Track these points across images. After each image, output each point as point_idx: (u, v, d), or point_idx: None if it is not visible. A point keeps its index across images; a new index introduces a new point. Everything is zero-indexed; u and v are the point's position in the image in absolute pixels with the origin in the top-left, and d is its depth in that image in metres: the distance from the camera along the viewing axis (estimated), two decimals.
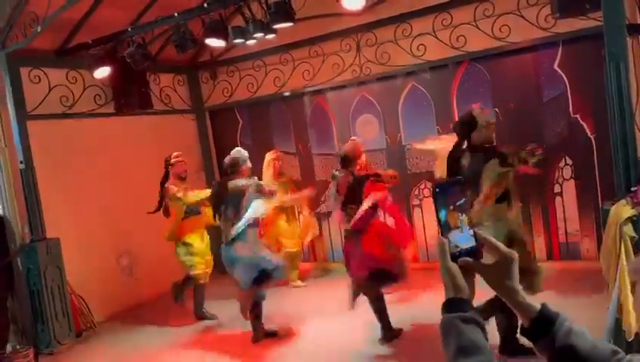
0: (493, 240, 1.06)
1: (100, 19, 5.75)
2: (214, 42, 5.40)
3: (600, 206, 5.55)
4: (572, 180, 5.84)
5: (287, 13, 4.94)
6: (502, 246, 1.05)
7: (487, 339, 0.99)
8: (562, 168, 5.88)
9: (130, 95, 6.50)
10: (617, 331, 3.03)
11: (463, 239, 1.05)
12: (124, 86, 6.39)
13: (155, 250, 6.46)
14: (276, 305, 5.47)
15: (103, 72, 5.84)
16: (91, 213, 6.10)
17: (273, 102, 7.32)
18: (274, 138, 7.42)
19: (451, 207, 1.05)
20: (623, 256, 3.02)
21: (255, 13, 5.19)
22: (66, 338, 5.47)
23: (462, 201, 1.05)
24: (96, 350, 5.40)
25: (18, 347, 5.11)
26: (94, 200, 6.13)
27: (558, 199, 5.92)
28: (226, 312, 5.66)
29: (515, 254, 1.04)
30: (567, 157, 5.84)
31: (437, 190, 1.06)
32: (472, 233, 1.05)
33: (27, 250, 5.44)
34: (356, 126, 6.83)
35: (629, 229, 3.02)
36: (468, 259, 1.04)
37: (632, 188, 3.08)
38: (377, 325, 4.55)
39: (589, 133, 5.66)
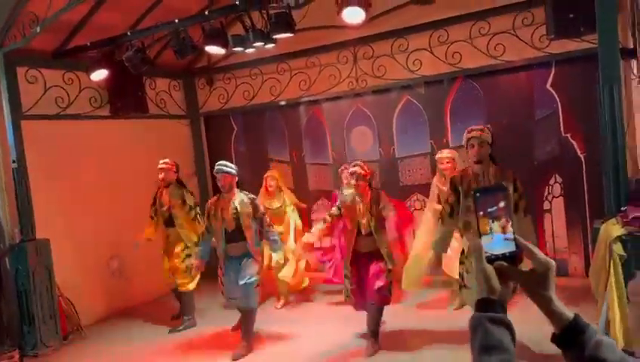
0: (532, 246, 1.07)
1: (98, 22, 5.76)
2: (214, 49, 5.44)
3: (588, 224, 5.67)
4: (561, 198, 5.94)
5: (287, 24, 5.00)
6: (540, 253, 1.06)
7: (514, 342, 1.00)
8: (552, 186, 5.98)
9: (126, 98, 6.50)
10: None
11: (494, 245, 1.07)
12: (121, 89, 6.40)
13: (147, 253, 6.44)
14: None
15: (99, 75, 5.85)
16: (83, 215, 6.07)
17: (268, 111, 7.37)
18: (268, 146, 7.46)
19: (481, 213, 1.08)
20: (612, 273, 3.09)
21: (255, 23, 5.23)
22: (53, 340, 5.42)
23: (494, 208, 1.07)
24: (83, 353, 5.35)
25: (5, 348, 5.05)
26: (86, 201, 6.10)
27: (547, 216, 6.01)
28: (215, 315, 5.64)
29: (553, 262, 1.05)
30: (557, 175, 5.94)
31: (477, 195, 1.09)
32: (510, 239, 1.07)
33: (16, 250, 5.40)
34: (351, 137, 6.90)
35: (618, 248, 3.09)
36: (503, 263, 1.06)
37: (622, 208, 3.16)
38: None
39: (578, 153, 5.76)
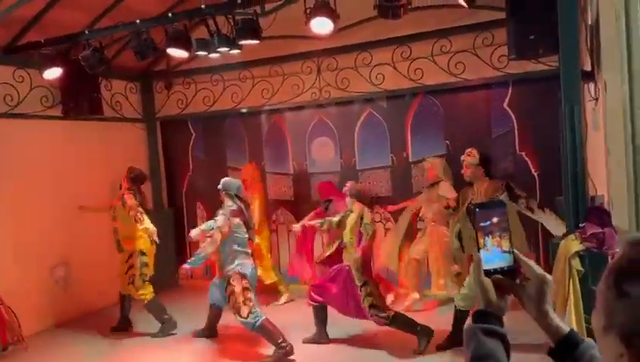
0: (529, 261, 1.09)
1: (54, 19, 5.53)
2: (176, 52, 5.31)
3: (540, 239, 5.86)
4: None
5: (254, 31, 4.96)
6: (537, 267, 1.08)
7: (508, 352, 1.02)
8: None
9: (79, 99, 6.25)
10: None
11: (493, 258, 1.09)
12: (74, 89, 6.15)
13: (94, 262, 6.20)
14: None
15: (53, 73, 5.59)
16: (29, 220, 5.75)
17: (229, 118, 7.26)
18: (227, 153, 7.34)
19: (480, 228, 1.10)
20: (570, 288, 3.18)
21: (221, 28, 5.15)
22: None
23: (493, 223, 1.10)
24: None
25: None
26: (32, 205, 5.79)
27: None
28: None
29: (549, 277, 1.07)
30: None
31: (477, 210, 1.12)
32: (508, 253, 1.09)
33: None
34: (312, 148, 6.88)
35: (576, 263, 3.19)
36: (500, 276, 1.08)
37: (581, 224, 3.26)
38: None
39: (532, 170, 5.96)
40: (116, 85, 7.05)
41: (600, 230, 3.14)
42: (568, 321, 3.13)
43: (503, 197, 4.34)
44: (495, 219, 1.10)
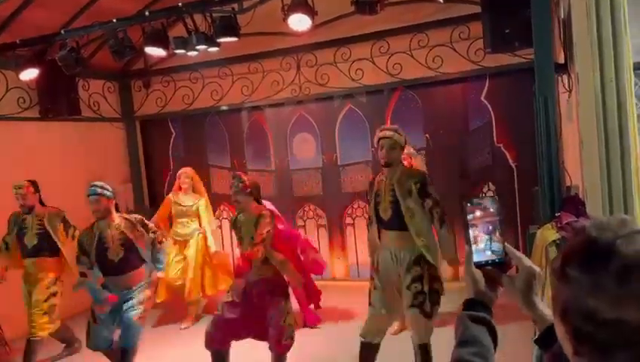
0: (518, 253, 1.14)
1: (29, 20, 5.46)
2: (154, 51, 5.29)
3: (519, 230, 5.97)
4: None
5: (232, 28, 4.96)
6: (526, 260, 1.13)
7: (494, 338, 1.08)
8: (485, 193, 6.24)
9: (57, 100, 6.19)
10: None
11: (484, 252, 1.14)
12: (51, 90, 6.08)
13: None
14: None
15: (29, 74, 5.52)
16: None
17: (209, 116, 7.24)
18: (208, 152, 7.32)
19: (471, 222, 1.15)
20: (547, 276, 3.26)
21: (199, 25, 5.14)
22: None
23: (483, 217, 1.15)
24: None
25: None
26: (10, 210, 5.70)
27: None
28: None
29: (538, 269, 1.12)
30: (490, 183, 6.21)
31: (467, 205, 1.17)
32: (499, 246, 1.14)
33: None
34: (293, 144, 6.90)
35: (553, 252, 3.26)
36: (490, 268, 1.14)
37: (557, 214, 3.34)
38: None
39: (510, 162, 6.06)
40: (94, 85, 6.97)
41: (575, 219, 3.22)
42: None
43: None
44: (485, 213, 1.15)
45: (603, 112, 3.13)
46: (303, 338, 4.97)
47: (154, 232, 4.36)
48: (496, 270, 1.14)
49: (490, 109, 6.10)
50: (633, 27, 3.18)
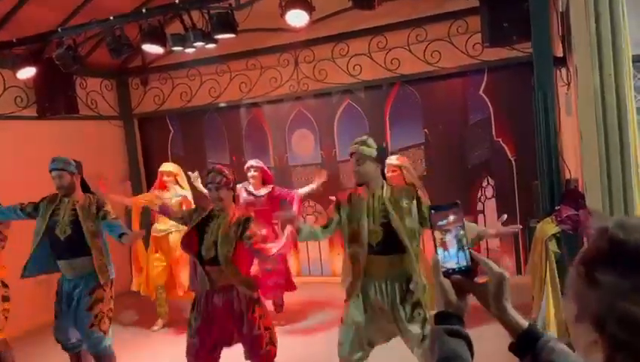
0: (487, 259, 1.11)
1: (26, 18, 5.44)
2: (152, 48, 5.26)
3: (518, 224, 5.97)
4: (493, 199, 6.22)
5: (229, 25, 4.93)
6: (494, 265, 1.10)
7: (471, 351, 1.04)
8: (484, 188, 6.25)
9: (54, 98, 6.17)
10: None
11: (450, 259, 1.11)
12: (49, 88, 6.07)
13: None
14: None
15: (27, 73, 5.51)
16: None
17: (208, 113, 7.22)
18: (207, 149, 7.31)
19: (436, 229, 1.12)
20: (547, 269, 3.26)
21: (196, 22, 5.12)
22: None
23: (447, 224, 1.12)
24: None
25: None
26: None
27: (480, 217, 6.27)
28: None
29: (507, 274, 1.09)
30: (489, 178, 6.21)
31: (431, 211, 1.14)
32: (465, 253, 1.11)
33: None
34: (292, 140, 6.90)
35: (553, 245, 3.28)
36: (459, 276, 1.10)
37: (556, 207, 3.35)
38: None
39: (509, 156, 6.06)
40: (91, 83, 6.96)
41: (575, 212, 3.23)
42: (546, 302, 3.22)
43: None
44: (450, 220, 1.12)
45: (602, 106, 3.13)
46: (305, 338, 5.00)
47: (105, 211, 3.91)
48: (463, 278, 1.11)
49: (489, 103, 6.09)
50: (632, 19, 3.17)
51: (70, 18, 5.80)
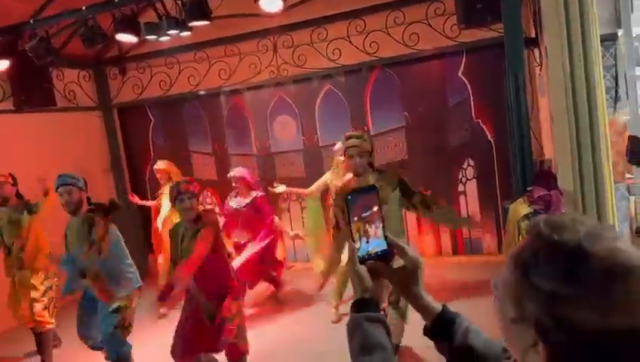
0: (403, 244, 1.10)
1: None
2: (125, 38, 5.20)
3: (499, 204, 6.03)
4: (474, 180, 6.26)
5: (202, 11, 4.87)
6: (410, 251, 1.09)
7: (390, 336, 1.04)
8: (465, 169, 6.29)
9: (31, 91, 6.11)
10: None
11: (369, 246, 1.09)
12: (25, 81, 6.00)
13: None
14: None
15: (1, 66, 5.42)
16: None
17: (188, 101, 7.17)
18: (189, 137, 7.28)
19: (355, 218, 1.09)
20: None
21: (169, 10, 5.06)
22: None
23: (365, 209, 1.09)
24: None
25: None
26: None
27: (462, 198, 6.32)
28: None
29: (422, 260, 1.08)
30: (470, 159, 6.25)
31: (348, 198, 1.10)
32: (381, 238, 1.09)
33: None
34: (274, 127, 6.88)
35: (525, 225, 3.31)
36: (374, 262, 1.09)
37: (528, 188, 3.38)
38: None
39: (489, 137, 6.09)
40: (69, 74, 6.87)
41: (547, 192, 3.26)
42: None
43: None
44: (373, 204, 1.09)
45: (572, 86, 3.15)
46: (306, 328, 5.04)
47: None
48: (379, 263, 1.09)
49: (468, 85, 6.10)
50: None
51: (43, 9, 5.69)
